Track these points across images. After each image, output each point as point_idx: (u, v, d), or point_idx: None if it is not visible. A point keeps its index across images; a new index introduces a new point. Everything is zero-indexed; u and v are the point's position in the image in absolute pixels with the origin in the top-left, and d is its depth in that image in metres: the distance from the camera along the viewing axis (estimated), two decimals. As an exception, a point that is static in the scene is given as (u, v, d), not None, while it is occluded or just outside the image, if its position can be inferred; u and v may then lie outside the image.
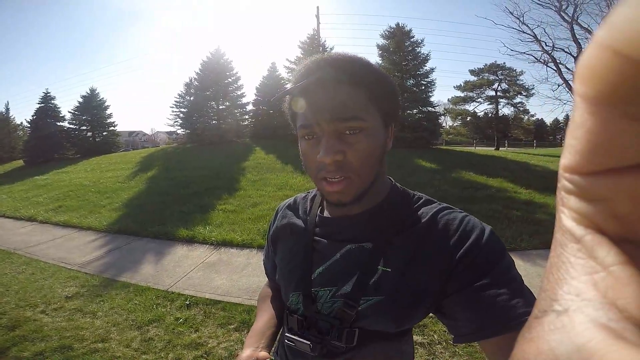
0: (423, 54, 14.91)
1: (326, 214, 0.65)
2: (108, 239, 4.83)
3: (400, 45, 14.66)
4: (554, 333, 0.12)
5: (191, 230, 4.70)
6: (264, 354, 0.58)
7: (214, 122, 16.13)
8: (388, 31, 15.23)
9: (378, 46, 15.26)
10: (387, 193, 0.61)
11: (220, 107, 16.59)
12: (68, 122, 20.60)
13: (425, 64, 14.86)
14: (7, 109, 26.66)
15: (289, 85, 0.55)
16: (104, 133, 21.09)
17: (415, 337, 2.16)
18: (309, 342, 0.56)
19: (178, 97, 17.20)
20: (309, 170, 0.55)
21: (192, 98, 16.72)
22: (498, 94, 24.47)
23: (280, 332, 0.71)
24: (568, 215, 0.14)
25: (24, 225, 5.96)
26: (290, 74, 15.63)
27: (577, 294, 0.12)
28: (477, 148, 21.96)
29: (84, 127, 20.65)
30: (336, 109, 0.50)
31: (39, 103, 20.49)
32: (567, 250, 0.13)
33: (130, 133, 58.46)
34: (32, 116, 20.23)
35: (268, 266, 0.80)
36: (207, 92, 16.23)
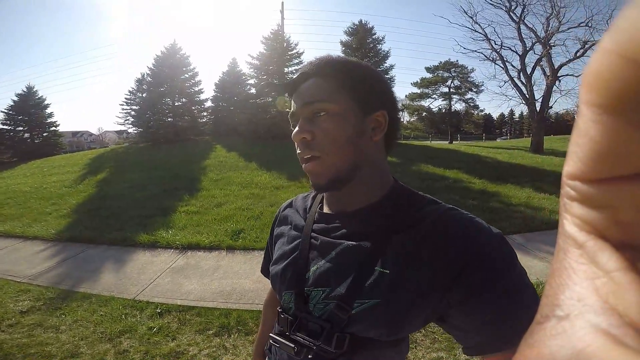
0: (384, 50, 15.41)
1: (326, 210, 0.63)
2: (59, 248, 4.45)
3: (363, 42, 15.01)
4: (555, 338, 0.12)
5: (152, 234, 4.47)
6: None
7: (169, 119, 15.35)
8: (351, 28, 15.53)
9: (342, 42, 15.51)
10: (388, 190, 0.59)
11: (177, 103, 15.83)
12: (1, 123, 18.50)
13: (386, 61, 15.33)
14: None
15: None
16: (44, 134, 19.26)
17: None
18: (293, 345, 0.54)
19: (129, 94, 16.14)
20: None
21: (144, 95, 15.76)
22: (451, 90, 25.87)
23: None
24: (570, 221, 0.14)
25: (-46, 238, 5.28)
26: (252, 70, 15.35)
27: (579, 299, 0.12)
28: (432, 142, 23.08)
29: (20, 128, 18.69)
30: (305, 96, 0.56)
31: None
32: (569, 256, 0.13)
33: (75, 133, 54.32)
34: (-42, 116, 17.90)
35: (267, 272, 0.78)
36: (162, 88, 15.39)
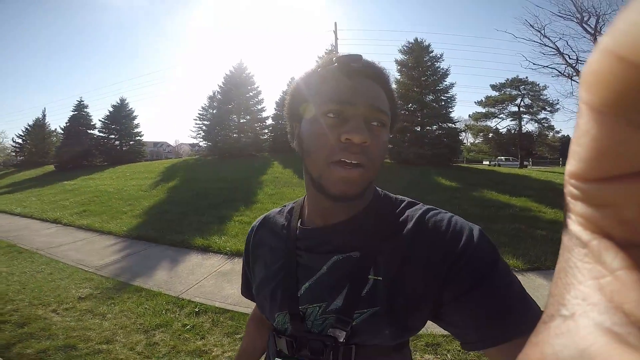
0: (442, 68, 14.80)
1: (307, 225, 0.61)
2: (126, 244, 4.95)
3: (419, 60, 14.62)
4: (559, 337, 0.12)
5: (207, 239, 4.75)
6: None
7: (234, 135, 16.52)
8: (406, 46, 15.26)
9: (397, 61, 15.29)
10: (370, 199, 0.59)
11: (242, 120, 17.00)
12: (98, 131, 21.60)
13: (445, 79, 14.72)
14: (44, 115, 28.21)
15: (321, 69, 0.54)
16: (131, 142, 21.94)
17: (427, 356, 2.07)
18: None
19: (202, 110, 17.79)
20: (321, 152, 0.50)
21: (214, 111, 17.21)
22: (521, 109, 23.66)
23: (265, 356, 0.67)
24: (575, 220, 0.14)
25: (49, 227, 6.22)
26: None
27: (584, 299, 0.12)
28: (500, 166, 21.36)
29: (113, 136, 21.58)
30: (375, 97, 0.51)
31: (72, 111, 21.62)
32: (574, 255, 0.13)
33: (155, 144, 60.69)
34: (66, 123, 21.37)
35: (248, 293, 0.75)
36: (229, 105, 16.71)
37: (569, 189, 0.14)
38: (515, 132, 24.17)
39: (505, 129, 24.70)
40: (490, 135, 25.31)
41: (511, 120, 24.31)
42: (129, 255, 4.41)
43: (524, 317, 0.42)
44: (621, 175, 0.11)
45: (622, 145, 0.11)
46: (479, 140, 27.95)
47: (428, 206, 0.57)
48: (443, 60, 14.92)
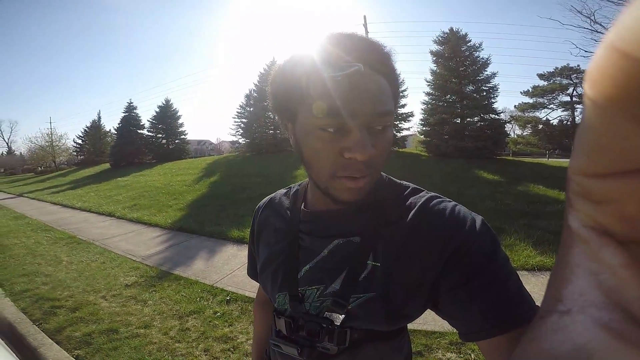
0: (482, 58, 13.93)
1: (310, 208, 0.61)
2: (170, 235, 5.29)
3: (456, 50, 13.88)
4: (556, 333, 0.12)
5: (242, 231, 4.93)
6: None
7: (270, 132, 16.88)
8: (441, 37, 14.56)
9: (432, 52, 14.66)
10: (374, 185, 0.55)
11: (276, 117, 17.31)
12: (147, 130, 23.12)
13: (486, 69, 13.87)
14: (99, 117, 30.84)
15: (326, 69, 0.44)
16: (176, 141, 23.23)
17: (450, 355, 2.02)
18: (296, 346, 0.53)
19: (239, 108, 18.36)
20: (323, 168, 0.47)
21: (251, 109, 17.70)
22: (574, 99, 21.78)
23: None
24: (575, 216, 0.13)
25: (104, 219, 6.83)
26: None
27: (581, 294, 0.12)
28: (549, 159, 19.82)
29: (160, 135, 22.99)
30: (379, 100, 0.44)
31: (123, 112, 23.35)
32: (573, 251, 0.13)
33: (199, 142, 63.84)
34: (118, 124, 23.15)
35: (253, 273, 0.75)
36: (265, 102, 17.04)
37: (571, 184, 0.13)
38: (568, 123, 22.24)
39: (556, 120, 22.81)
40: (540, 126, 23.51)
41: (563, 111, 22.27)
42: (172, 245, 4.71)
43: (520, 311, 0.42)
44: (623, 172, 0.11)
45: (625, 141, 0.11)
46: (526, 132, 26.11)
47: (432, 194, 0.55)
48: (482, 49, 14.06)
